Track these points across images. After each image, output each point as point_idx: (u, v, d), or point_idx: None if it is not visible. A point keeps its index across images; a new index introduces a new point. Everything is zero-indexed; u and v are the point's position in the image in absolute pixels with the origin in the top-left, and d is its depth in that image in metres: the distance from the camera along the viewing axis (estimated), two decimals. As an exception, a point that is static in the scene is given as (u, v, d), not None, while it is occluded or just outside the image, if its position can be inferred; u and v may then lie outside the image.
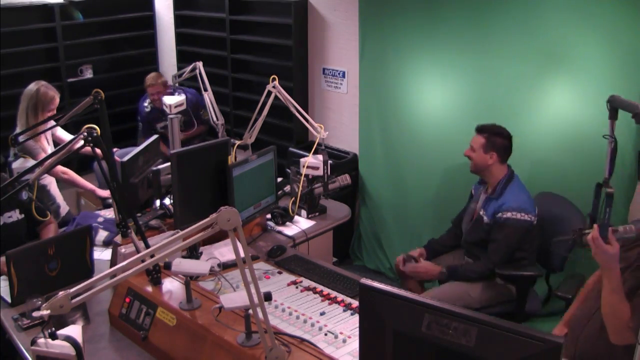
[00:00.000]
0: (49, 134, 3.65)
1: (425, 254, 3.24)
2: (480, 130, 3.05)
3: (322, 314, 2.30)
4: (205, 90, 3.77)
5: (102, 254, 2.92)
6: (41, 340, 1.85)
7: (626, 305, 1.96)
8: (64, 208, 3.81)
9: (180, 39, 5.73)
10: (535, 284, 3.03)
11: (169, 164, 2.85)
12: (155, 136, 3.33)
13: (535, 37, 3.41)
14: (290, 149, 4.58)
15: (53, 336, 1.80)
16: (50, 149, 3.58)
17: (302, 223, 3.29)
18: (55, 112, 3.58)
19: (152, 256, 1.78)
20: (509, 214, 2.90)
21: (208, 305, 2.15)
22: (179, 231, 2.11)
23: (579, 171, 3.35)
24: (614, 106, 2.19)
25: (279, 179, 3.44)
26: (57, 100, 3.59)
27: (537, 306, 3.08)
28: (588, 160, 3.32)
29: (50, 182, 3.68)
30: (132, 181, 2.89)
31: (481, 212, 3.05)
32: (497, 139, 3.00)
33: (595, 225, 1.96)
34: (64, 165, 3.67)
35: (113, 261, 2.59)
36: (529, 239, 2.96)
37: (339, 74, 4.59)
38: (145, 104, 4.93)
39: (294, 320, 2.25)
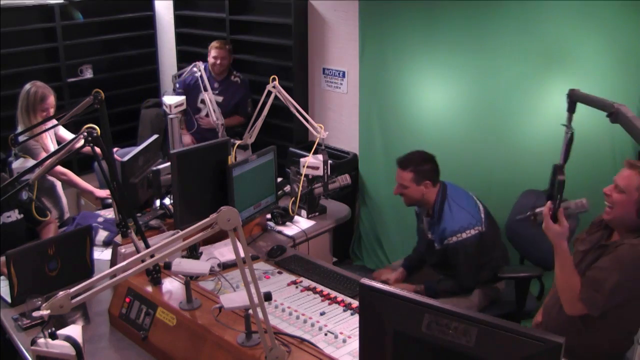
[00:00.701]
0: (52, 133, 3.65)
1: (403, 276, 3.15)
2: (404, 165, 2.92)
3: (322, 314, 2.30)
4: (206, 90, 3.76)
5: (102, 254, 2.92)
6: (41, 340, 1.85)
7: (577, 278, 2.13)
8: (67, 210, 3.81)
9: (180, 39, 5.73)
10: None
11: (169, 164, 2.85)
12: (155, 136, 3.33)
13: (535, 37, 3.41)
14: (290, 149, 4.58)
15: (53, 336, 1.80)
16: (54, 148, 3.58)
17: (302, 223, 3.29)
18: (51, 110, 3.58)
19: (152, 256, 1.78)
20: (454, 239, 2.82)
21: (208, 305, 2.15)
22: (179, 231, 2.11)
23: (578, 170, 3.34)
24: (574, 100, 2.23)
25: (279, 179, 3.44)
26: (51, 98, 3.57)
27: (532, 305, 3.09)
28: (588, 160, 3.32)
29: (55, 180, 3.69)
30: (132, 181, 2.89)
31: (429, 236, 3.00)
32: (424, 166, 2.91)
33: (548, 203, 2.10)
34: (64, 165, 3.67)
35: (113, 261, 2.59)
36: (485, 245, 2.88)
37: (339, 74, 4.59)
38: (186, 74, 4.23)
39: (294, 320, 2.25)
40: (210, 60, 4.52)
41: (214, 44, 4.53)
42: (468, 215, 2.87)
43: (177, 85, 4.31)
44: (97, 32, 5.54)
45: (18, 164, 3.36)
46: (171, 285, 2.33)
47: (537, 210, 2.20)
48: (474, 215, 2.88)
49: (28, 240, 2.93)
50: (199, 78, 3.79)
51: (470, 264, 2.88)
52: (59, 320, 2.19)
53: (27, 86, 3.54)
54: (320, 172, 3.30)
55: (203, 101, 4.27)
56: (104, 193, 3.68)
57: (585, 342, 2.19)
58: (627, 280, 2.07)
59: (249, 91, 4.65)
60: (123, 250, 2.51)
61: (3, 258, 2.47)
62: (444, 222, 2.87)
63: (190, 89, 4.44)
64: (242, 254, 1.69)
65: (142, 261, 1.75)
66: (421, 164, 2.92)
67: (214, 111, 3.75)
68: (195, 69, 3.85)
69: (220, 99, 4.43)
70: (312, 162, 3.29)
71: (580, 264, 2.24)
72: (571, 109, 2.22)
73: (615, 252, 2.12)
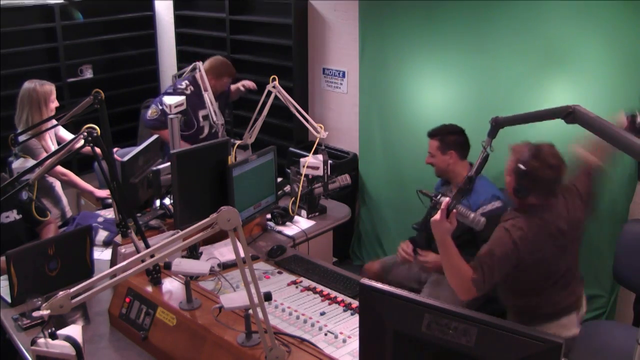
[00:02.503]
0: (52, 133, 3.66)
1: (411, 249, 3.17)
2: (432, 134, 3.09)
3: (322, 314, 2.30)
4: (206, 90, 3.76)
5: (102, 254, 2.92)
6: (41, 340, 1.85)
7: (465, 266, 2.26)
8: (68, 210, 3.81)
9: (180, 39, 5.73)
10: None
11: (169, 164, 2.85)
12: (155, 136, 3.33)
13: (535, 37, 3.41)
14: (290, 149, 4.58)
15: (53, 336, 1.80)
16: (54, 148, 3.58)
17: (302, 223, 3.29)
18: (55, 104, 3.59)
19: (152, 256, 1.78)
20: (488, 207, 2.88)
21: (208, 305, 2.15)
22: (179, 231, 2.11)
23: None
24: (498, 127, 2.30)
25: (279, 179, 3.44)
26: (54, 90, 3.60)
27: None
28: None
29: (55, 180, 3.69)
30: (132, 181, 2.89)
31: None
32: (449, 137, 3.03)
33: (445, 199, 2.21)
34: (64, 165, 3.67)
35: (113, 261, 2.59)
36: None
37: (339, 74, 4.59)
38: (184, 87, 3.99)
39: (294, 320, 2.25)
40: (220, 87, 4.09)
41: (231, 71, 4.13)
42: (496, 190, 2.97)
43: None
44: (97, 32, 5.54)
45: (18, 164, 3.36)
46: (171, 285, 2.33)
47: (441, 199, 2.27)
48: (499, 193, 2.96)
49: (28, 241, 2.93)
50: (198, 78, 3.78)
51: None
52: (59, 320, 2.19)
53: (29, 85, 3.54)
54: (320, 172, 3.30)
55: (204, 117, 4.05)
56: (104, 193, 3.68)
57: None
58: (504, 257, 2.26)
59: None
60: (123, 250, 2.51)
61: (3, 258, 2.47)
62: (477, 193, 2.94)
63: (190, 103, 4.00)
64: (242, 254, 1.69)
65: (142, 261, 1.75)
66: (447, 135, 3.04)
67: (215, 112, 3.75)
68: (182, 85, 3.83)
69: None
70: (312, 162, 3.29)
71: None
72: (492, 134, 2.31)
73: (494, 232, 2.33)
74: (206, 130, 4.15)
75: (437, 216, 2.20)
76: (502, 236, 2.31)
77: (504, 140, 2.62)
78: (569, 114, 1.95)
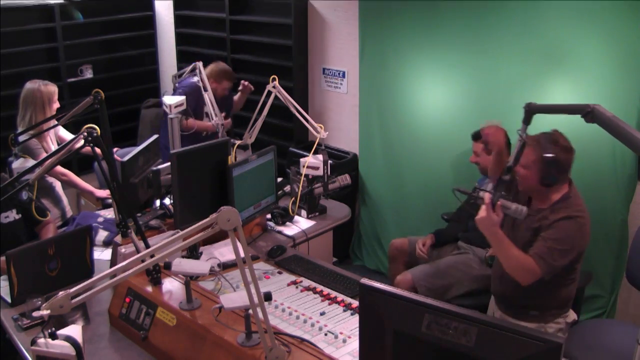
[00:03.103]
0: (52, 133, 3.66)
1: (432, 241, 3.38)
2: (477, 137, 3.28)
3: (322, 314, 2.30)
4: (206, 90, 3.76)
5: (102, 254, 2.92)
6: (41, 340, 1.85)
7: (518, 252, 2.34)
8: (69, 209, 3.81)
9: (180, 39, 5.73)
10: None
11: (169, 164, 2.85)
12: (155, 136, 3.33)
13: (535, 37, 3.41)
14: (290, 149, 4.58)
15: (53, 336, 1.80)
16: (54, 148, 3.58)
17: (302, 223, 3.29)
18: (57, 105, 3.60)
19: (152, 256, 1.78)
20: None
21: (208, 305, 2.15)
22: (179, 231, 2.11)
23: (578, 170, 3.34)
24: (532, 112, 2.38)
25: (279, 179, 3.44)
26: (57, 91, 3.62)
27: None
28: (588, 160, 3.32)
29: (55, 180, 3.69)
30: (132, 181, 2.89)
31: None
32: None
33: (486, 194, 2.30)
34: (64, 165, 3.67)
35: (113, 261, 2.59)
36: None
37: (339, 74, 4.59)
38: (195, 80, 3.91)
39: (294, 320, 2.25)
40: (221, 92, 4.18)
41: (231, 75, 4.25)
42: None
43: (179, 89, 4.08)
44: (97, 32, 5.54)
45: (18, 164, 3.36)
46: (171, 285, 2.33)
47: (480, 194, 2.35)
48: None
49: (28, 241, 2.93)
50: (198, 78, 3.78)
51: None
52: (59, 320, 2.19)
53: (32, 85, 3.54)
54: (320, 172, 3.30)
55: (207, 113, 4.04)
56: (104, 193, 3.68)
57: (538, 301, 2.49)
58: (572, 248, 2.36)
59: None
60: (123, 250, 2.51)
61: (3, 258, 2.47)
62: None
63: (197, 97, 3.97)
64: (242, 254, 1.69)
65: (142, 261, 1.75)
66: None
67: (214, 113, 3.74)
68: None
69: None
70: (312, 162, 3.29)
71: (514, 231, 2.50)
72: (526, 121, 2.40)
73: (555, 226, 2.37)
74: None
75: (482, 212, 2.29)
76: (568, 225, 2.36)
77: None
78: (588, 113, 1.99)
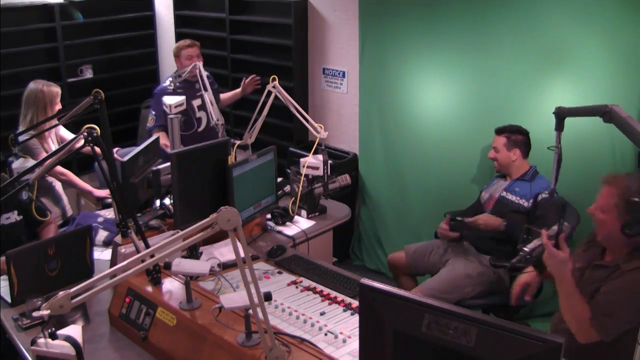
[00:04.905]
0: (52, 133, 3.66)
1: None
2: (500, 131, 3.30)
3: (322, 314, 2.30)
4: (205, 90, 3.76)
5: (102, 254, 2.92)
6: (41, 340, 1.85)
7: (584, 306, 2.04)
8: (69, 208, 3.81)
9: (180, 39, 5.68)
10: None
11: (169, 164, 2.85)
12: (155, 136, 3.33)
13: (535, 37, 3.41)
14: (290, 149, 4.58)
15: (53, 336, 1.80)
16: (55, 148, 3.58)
17: (302, 223, 3.29)
18: (59, 106, 3.60)
19: (152, 256, 1.78)
20: (546, 194, 2.99)
21: (208, 305, 2.15)
22: (179, 231, 2.11)
23: (578, 171, 3.35)
24: (562, 116, 2.23)
25: (279, 179, 3.44)
26: (60, 93, 3.62)
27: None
28: (588, 160, 3.32)
29: (54, 180, 3.69)
30: (132, 181, 2.89)
31: (503, 194, 3.21)
32: (517, 136, 3.27)
33: (543, 232, 2.05)
34: (64, 165, 3.67)
35: (113, 261, 2.59)
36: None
37: (339, 74, 4.59)
38: (167, 83, 4.02)
39: (294, 320, 2.25)
40: (186, 62, 4.01)
41: (182, 43, 4.13)
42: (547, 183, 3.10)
43: (152, 112, 4.08)
44: (97, 32, 5.53)
45: (18, 164, 3.36)
46: (171, 285, 2.33)
47: (528, 248, 2.11)
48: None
49: (28, 241, 2.92)
50: (198, 78, 3.78)
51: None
52: (59, 320, 2.18)
53: (36, 86, 3.54)
54: (320, 172, 3.30)
55: (200, 107, 4.08)
56: (104, 193, 3.68)
57: None
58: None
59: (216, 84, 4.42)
60: (123, 250, 2.51)
61: (3, 258, 2.47)
62: (542, 180, 3.14)
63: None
64: (242, 254, 1.69)
65: (142, 261, 1.75)
66: (515, 133, 3.27)
67: (212, 113, 3.74)
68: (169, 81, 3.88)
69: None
70: (312, 162, 3.29)
71: (579, 283, 2.17)
72: (559, 127, 2.24)
73: (626, 276, 2.06)
74: (204, 122, 4.16)
75: (549, 253, 2.03)
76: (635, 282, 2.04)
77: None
78: (606, 113, 1.96)
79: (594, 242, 2.28)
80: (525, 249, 2.11)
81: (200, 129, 4.13)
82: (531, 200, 3.12)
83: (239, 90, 4.43)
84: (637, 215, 2.02)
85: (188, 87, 3.97)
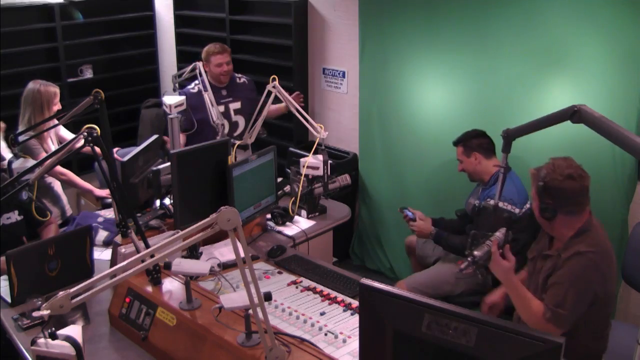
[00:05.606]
0: (52, 133, 3.66)
1: (427, 220, 3.36)
2: (456, 143, 3.28)
3: (322, 314, 2.30)
4: (206, 90, 3.76)
5: (102, 254, 2.92)
6: (41, 340, 1.85)
7: (536, 302, 2.16)
8: (69, 208, 3.81)
9: (180, 39, 5.73)
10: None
11: (169, 164, 2.85)
12: (155, 136, 3.33)
13: (535, 37, 3.40)
14: (290, 149, 4.58)
15: (53, 336, 1.81)
16: (55, 148, 3.58)
17: (302, 223, 3.29)
18: (58, 106, 3.59)
19: (152, 256, 1.78)
20: (492, 202, 2.87)
21: (208, 305, 2.15)
22: (179, 231, 2.11)
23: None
24: (511, 139, 2.27)
25: (279, 179, 3.44)
26: (58, 93, 3.60)
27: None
28: (588, 160, 3.30)
29: (53, 180, 3.69)
30: (132, 181, 2.89)
31: (476, 203, 3.18)
32: (471, 141, 3.21)
33: (494, 240, 2.16)
34: (64, 165, 3.67)
35: (113, 261, 2.59)
36: (513, 229, 2.94)
37: (339, 74, 4.59)
38: (192, 86, 3.97)
39: (294, 320, 2.25)
40: (216, 70, 3.94)
41: (213, 49, 3.95)
42: (518, 194, 3.02)
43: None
44: (97, 32, 5.54)
45: (18, 164, 3.36)
46: (171, 285, 2.33)
47: (476, 254, 2.16)
48: (520, 199, 3.01)
49: (28, 241, 2.93)
50: (198, 78, 3.77)
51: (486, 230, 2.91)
52: (59, 320, 2.18)
53: (34, 85, 3.54)
54: (320, 172, 3.29)
55: (236, 111, 4.06)
56: (104, 192, 3.69)
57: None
58: (586, 289, 2.13)
59: (256, 91, 4.22)
60: (123, 250, 2.51)
61: (3, 258, 2.47)
62: (494, 188, 3.03)
63: (195, 108, 3.82)
64: (242, 254, 1.69)
65: (142, 261, 1.75)
66: (469, 139, 3.23)
67: (213, 113, 3.74)
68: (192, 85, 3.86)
69: (237, 104, 4.07)
70: (312, 162, 3.29)
71: (533, 274, 2.34)
72: (506, 150, 2.27)
73: (565, 266, 2.15)
74: (241, 125, 4.11)
75: (495, 262, 2.14)
76: (577, 263, 2.13)
77: (499, 136, 2.61)
78: (575, 113, 1.94)
79: (544, 232, 2.38)
80: (475, 253, 2.17)
81: (236, 133, 4.07)
82: (527, 205, 3.05)
83: (283, 105, 3.82)
84: (545, 199, 2.17)
85: (214, 92, 3.79)
